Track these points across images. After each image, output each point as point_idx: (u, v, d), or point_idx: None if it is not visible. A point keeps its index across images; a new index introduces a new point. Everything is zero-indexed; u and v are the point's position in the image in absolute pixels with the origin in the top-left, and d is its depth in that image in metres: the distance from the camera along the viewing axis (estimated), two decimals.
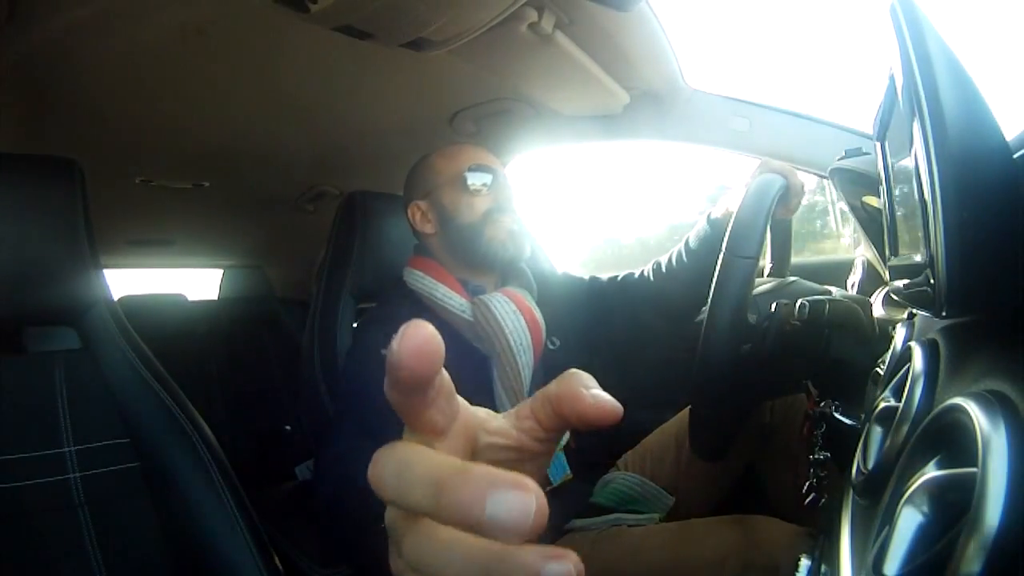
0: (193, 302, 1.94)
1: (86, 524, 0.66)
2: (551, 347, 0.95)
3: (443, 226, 0.92)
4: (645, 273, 1.04)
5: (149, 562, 0.68)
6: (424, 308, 0.89)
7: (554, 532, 0.86)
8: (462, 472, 0.17)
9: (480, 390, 0.85)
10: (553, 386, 0.21)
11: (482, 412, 0.22)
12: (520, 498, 0.16)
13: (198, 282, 2.08)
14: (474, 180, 0.90)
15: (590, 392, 0.20)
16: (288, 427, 1.81)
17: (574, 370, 0.21)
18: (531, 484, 0.16)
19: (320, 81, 0.97)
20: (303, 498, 1.40)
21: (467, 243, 0.91)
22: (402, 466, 0.18)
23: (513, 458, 0.21)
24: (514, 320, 0.86)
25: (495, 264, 0.91)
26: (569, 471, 0.92)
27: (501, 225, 0.91)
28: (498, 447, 0.21)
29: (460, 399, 0.21)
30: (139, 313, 0.94)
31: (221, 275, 2.01)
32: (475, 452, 0.21)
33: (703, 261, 0.92)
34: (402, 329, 0.18)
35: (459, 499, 0.16)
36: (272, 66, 0.90)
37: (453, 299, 0.88)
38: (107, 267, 0.82)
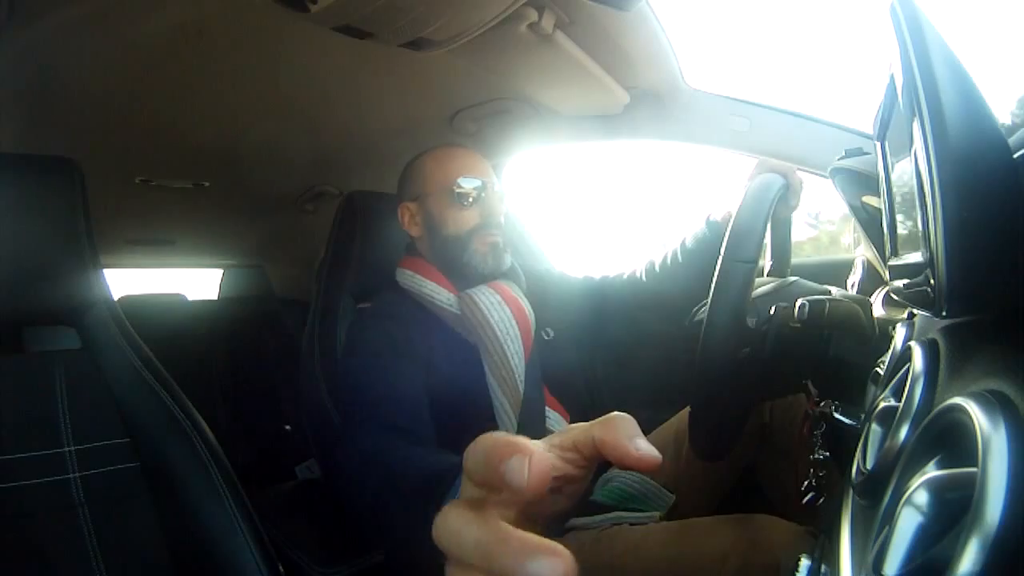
0: (193, 302, 1.94)
1: (86, 524, 0.66)
2: (545, 338, 0.97)
3: (429, 232, 0.94)
4: (638, 273, 1.05)
5: (149, 562, 0.68)
6: (416, 304, 0.91)
7: (554, 530, 0.86)
8: (504, 541, 0.20)
9: (473, 380, 0.88)
10: (599, 430, 0.23)
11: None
12: (552, 563, 0.19)
13: (198, 282, 2.08)
14: (463, 193, 0.92)
15: (633, 443, 0.22)
16: (288, 427, 1.81)
17: (620, 415, 0.23)
18: (560, 549, 0.19)
19: (320, 81, 0.97)
20: (303, 498, 1.40)
21: (450, 253, 0.92)
22: (455, 534, 0.21)
23: (558, 485, 0.24)
24: (499, 310, 0.88)
25: (474, 277, 0.92)
26: None
27: (485, 239, 0.92)
28: None
29: None
30: (139, 313, 0.93)
31: (221, 275, 2.01)
32: None
33: (698, 262, 0.93)
34: (518, 450, 0.20)
35: (504, 564, 0.19)
36: (272, 66, 0.90)
37: (441, 294, 0.91)
38: (107, 267, 0.82)
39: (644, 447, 0.22)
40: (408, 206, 0.96)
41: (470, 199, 0.92)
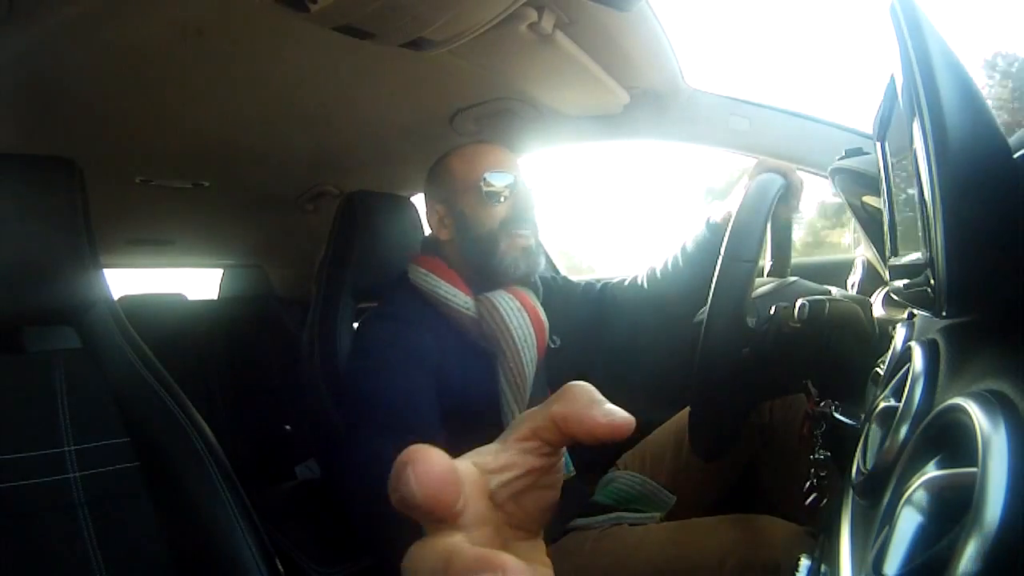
0: (193, 302, 1.94)
1: (86, 524, 0.66)
2: (552, 346, 0.96)
3: (460, 234, 0.91)
4: (639, 279, 1.04)
5: (149, 562, 0.68)
6: (429, 306, 0.89)
7: (555, 531, 0.86)
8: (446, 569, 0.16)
9: (485, 387, 0.86)
10: (557, 406, 0.20)
11: (481, 458, 0.20)
12: None
13: (198, 282, 2.08)
14: (493, 187, 0.88)
15: (601, 410, 0.19)
16: (288, 427, 1.81)
17: (575, 384, 0.20)
18: (503, 562, 0.16)
19: (320, 81, 0.97)
20: (303, 498, 1.40)
21: (481, 254, 0.89)
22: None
23: (529, 483, 0.20)
24: (519, 318, 0.86)
25: (506, 279, 0.90)
26: (572, 468, 0.92)
27: (516, 241, 0.89)
28: (511, 480, 0.20)
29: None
30: (139, 313, 0.94)
31: (221, 275, 2.01)
32: (492, 497, 0.20)
33: (700, 265, 0.93)
34: (403, 462, 0.17)
35: None
36: (272, 66, 0.89)
37: (458, 296, 0.88)
38: (107, 267, 0.82)
39: (612, 411, 0.19)
40: (437, 208, 0.93)
41: (501, 196, 0.89)
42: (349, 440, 0.82)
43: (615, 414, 0.19)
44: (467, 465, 0.20)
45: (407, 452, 0.17)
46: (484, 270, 0.90)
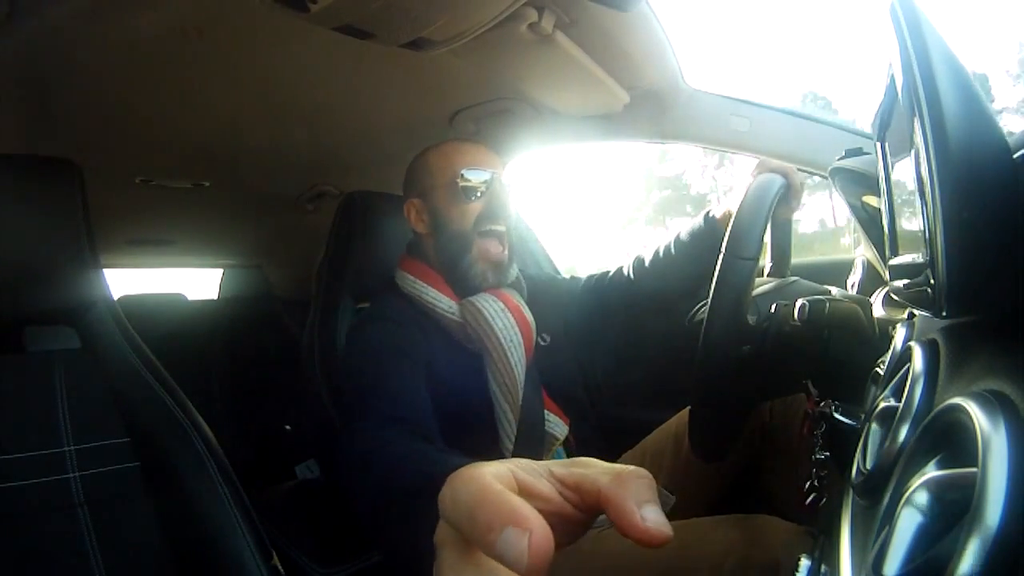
0: (193, 302, 1.94)
1: (86, 524, 0.66)
2: (542, 343, 0.96)
3: (435, 229, 0.92)
4: (625, 271, 1.04)
5: (149, 562, 0.68)
6: (417, 308, 0.90)
7: None
8: (480, 504, 0.18)
9: (475, 388, 0.87)
10: (609, 483, 0.20)
11: (525, 474, 0.21)
12: (517, 535, 0.17)
13: (198, 282, 2.08)
14: (470, 187, 0.89)
15: (644, 513, 0.19)
16: (288, 427, 1.81)
17: (638, 473, 0.20)
18: (530, 518, 0.17)
19: (320, 81, 0.97)
20: (303, 498, 1.40)
21: (453, 254, 0.90)
22: (450, 493, 0.19)
23: (552, 522, 0.20)
24: (503, 318, 0.87)
25: (474, 288, 0.90)
26: None
27: (488, 250, 0.90)
28: (538, 508, 0.20)
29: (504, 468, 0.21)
30: (139, 313, 0.94)
31: (221, 275, 2.01)
32: None
33: (691, 255, 0.94)
34: (511, 524, 0.17)
35: (474, 532, 0.18)
36: (272, 66, 0.90)
37: (442, 301, 0.89)
38: (107, 267, 0.82)
39: (654, 519, 0.19)
40: (414, 202, 0.94)
41: (477, 193, 0.89)
42: (346, 434, 0.83)
43: (654, 526, 0.19)
44: (506, 472, 0.20)
45: (517, 516, 0.17)
46: (456, 271, 0.90)
